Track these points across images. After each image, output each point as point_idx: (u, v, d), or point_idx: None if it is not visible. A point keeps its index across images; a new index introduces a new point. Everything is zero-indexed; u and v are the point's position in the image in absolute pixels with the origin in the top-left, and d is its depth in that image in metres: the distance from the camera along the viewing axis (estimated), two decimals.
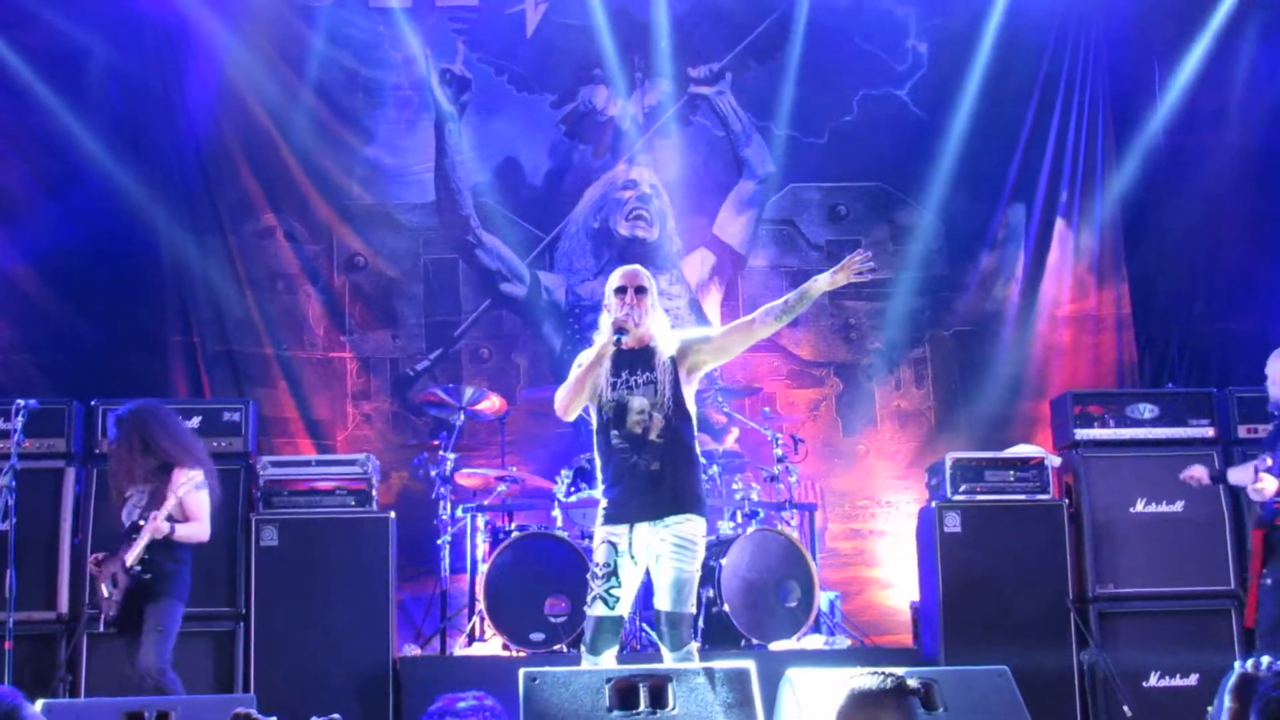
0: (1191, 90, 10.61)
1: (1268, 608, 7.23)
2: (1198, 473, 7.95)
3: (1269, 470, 7.15)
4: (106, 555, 7.34)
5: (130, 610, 7.14)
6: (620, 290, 6.35)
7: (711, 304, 10.74)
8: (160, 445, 7.53)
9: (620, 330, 6.21)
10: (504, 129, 10.87)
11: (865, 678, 4.70)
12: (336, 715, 3.83)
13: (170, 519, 7.34)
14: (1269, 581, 7.30)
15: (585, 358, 6.52)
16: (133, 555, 7.26)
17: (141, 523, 7.30)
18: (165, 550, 7.31)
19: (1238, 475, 7.63)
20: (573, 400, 6.38)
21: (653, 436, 6.29)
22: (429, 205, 10.81)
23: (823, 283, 6.39)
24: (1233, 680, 3.80)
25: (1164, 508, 8.70)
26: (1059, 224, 10.83)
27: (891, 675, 4.72)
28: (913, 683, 4.77)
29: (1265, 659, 3.82)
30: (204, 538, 7.41)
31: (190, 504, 7.40)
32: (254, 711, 3.79)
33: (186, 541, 7.35)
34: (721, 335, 6.69)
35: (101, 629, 7.40)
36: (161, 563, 7.32)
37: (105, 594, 7.22)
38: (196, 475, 7.43)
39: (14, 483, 7.40)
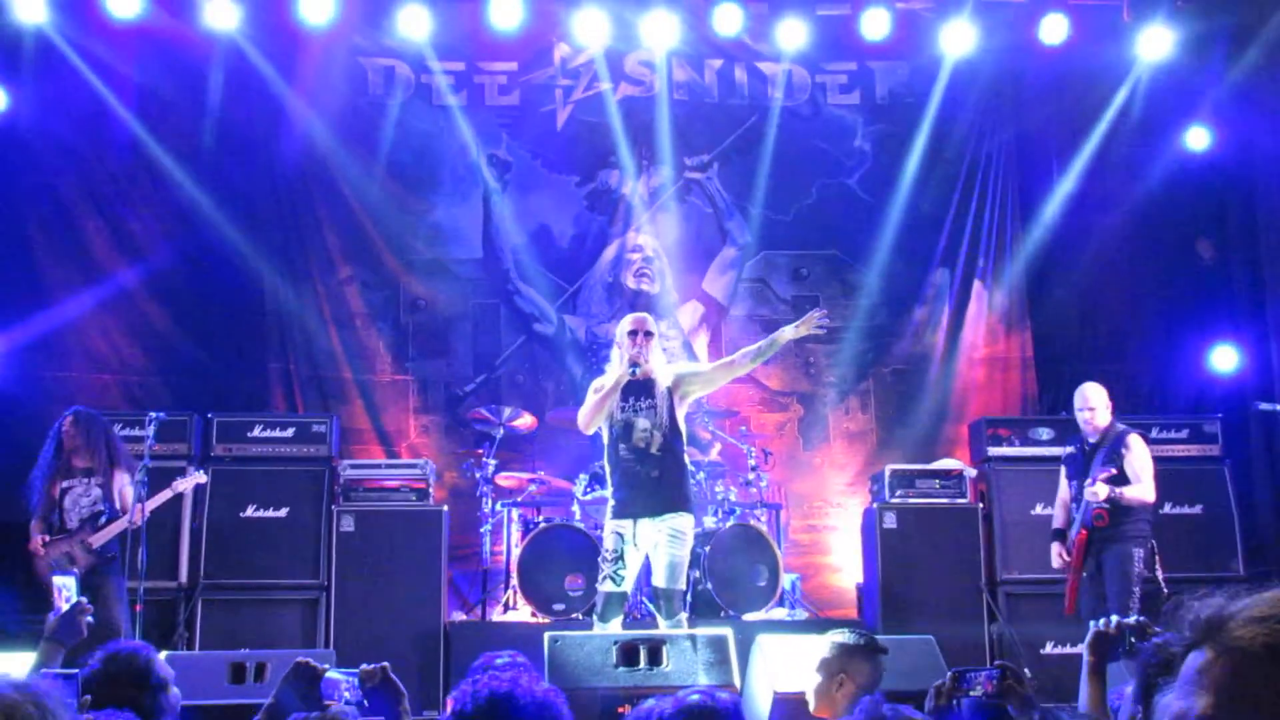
0: (1081, 180, 10.62)
1: (1086, 599, 7.34)
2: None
3: (1106, 480, 7.22)
4: (55, 539, 7.32)
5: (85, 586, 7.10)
6: (632, 333, 6.46)
7: (700, 345, 10.72)
8: (117, 447, 7.59)
9: (634, 365, 6.32)
10: (538, 202, 10.84)
11: (847, 633, 4.73)
12: (386, 663, 3.81)
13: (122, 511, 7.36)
14: (1086, 575, 7.40)
15: (599, 384, 6.59)
16: (101, 538, 7.28)
17: (101, 509, 7.30)
18: (118, 535, 7.36)
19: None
20: (593, 419, 6.47)
21: (654, 450, 6.37)
22: (477, 260, 10.75)
23: (788, 333, 6.64)
24: (1089, 638, 3.82)
25: None
26: (976, 285, 10.81)
27: (867, 634, 4.75)
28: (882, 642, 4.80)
29: (1114, 618, 3.84)
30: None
31: (130, 498, 7.43)
32: (312, 660, 3.81)
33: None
34: (709, 371, 6.85)
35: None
36: (114, 545, 7.35)
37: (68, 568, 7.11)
38: (128, 475, 7.48)
39: (146, 479, 7.41)
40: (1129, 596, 7.14)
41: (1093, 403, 7.60)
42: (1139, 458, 7.42)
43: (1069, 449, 7.77)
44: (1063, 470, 7.78)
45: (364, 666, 3.73)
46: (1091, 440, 7.58)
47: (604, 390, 6.44)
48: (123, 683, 3.66)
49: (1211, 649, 1.49)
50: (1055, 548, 7.60)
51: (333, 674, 3.69)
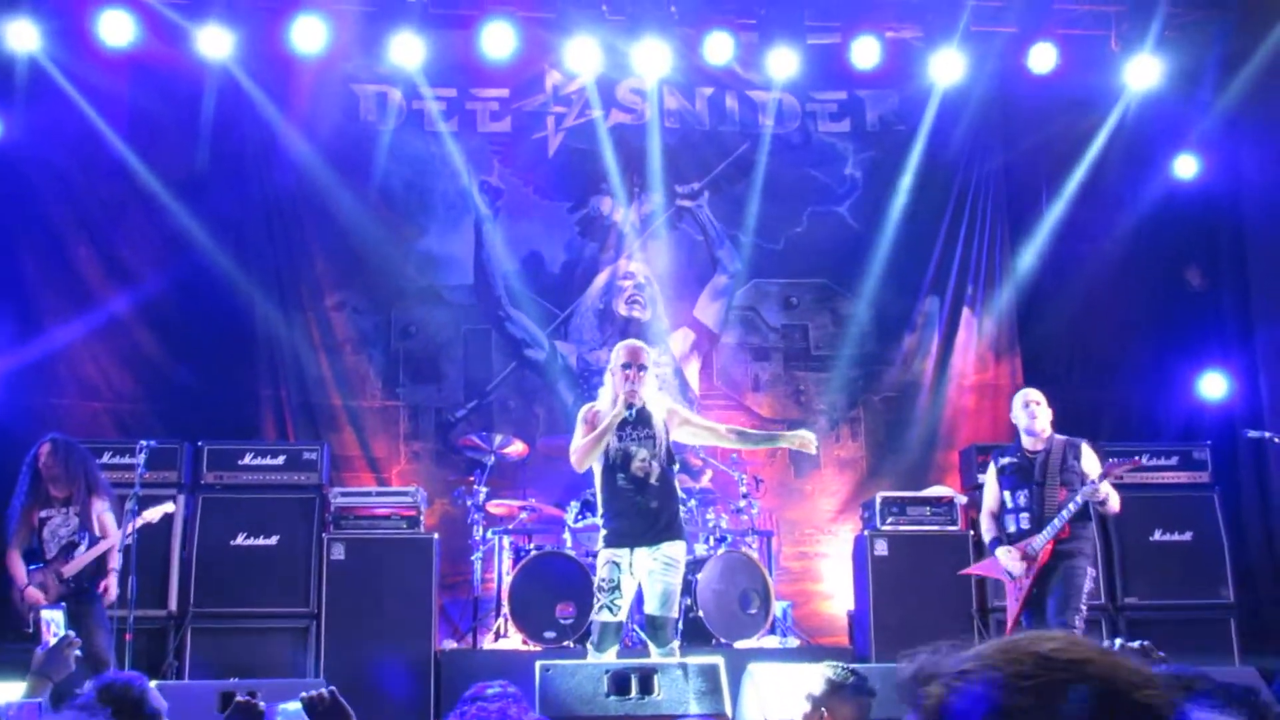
0: (1071, 208, 10.70)
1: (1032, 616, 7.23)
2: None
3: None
4: (33, 569, 7.29)
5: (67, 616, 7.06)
6: (626, 366, 6.47)
7: (691, 372, 10.75)
8: (95, 475, 7.59)
9: (630, 405, 6.34)
10: (529, 228, 10.86)
11: (837, 669, 4.71)
12: (331, 687, 3.54)
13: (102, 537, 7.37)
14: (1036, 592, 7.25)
15: (588, 412, 6.61)
16: (73, 568, 7.26)
17: (76, 540, 7.30)
18: (97, 563, 7.34)
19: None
20: (586, 458, 6.49)
21: (653, 480, 6.40)
22: (468, 286, 10.74)
23: (783, 442, 6.96)
24: None
25: None
26: (965, 312, 10.86)
27: (857, 674, 4.73)
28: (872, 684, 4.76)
29: (1118, 641, 3.85)
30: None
31: (109, 524, 7.44)
32: (249, 697, 3.80)
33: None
34: (699, 426, 7.00)
35: (31, 628, 7.00)
36: (94, 573, 7.34)
37: (39, 601, 7.07)
38: (107, 502, 7.48)
39: (136, 507, 7.41)
40: (1075, 613, 7.01)
41: (1040, 399, 7.45)
42: (1093, 467, 7.25)
43: (1006, 459, 7.46)
44: (994, 481, 7.49)
45: (304, 694, 3.49)
46: (1033, 449, 7.37)
47: (599, 430, 6.44)
48: (117, 713, 3.67)
49: (914, 709, 1.52)
50: (1013, 553, 7.19)
51: (287, 706, 3.65)
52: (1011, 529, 7.31)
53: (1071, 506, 7.05)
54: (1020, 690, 1.43)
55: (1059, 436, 7.40)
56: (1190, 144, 10.53)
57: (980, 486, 8.86)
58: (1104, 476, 7.06)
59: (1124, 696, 1.43)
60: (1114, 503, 7.22)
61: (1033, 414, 7.38)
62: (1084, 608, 7.11)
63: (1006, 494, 7.39)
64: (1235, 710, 2.55)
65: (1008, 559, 7.24)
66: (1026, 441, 7.42)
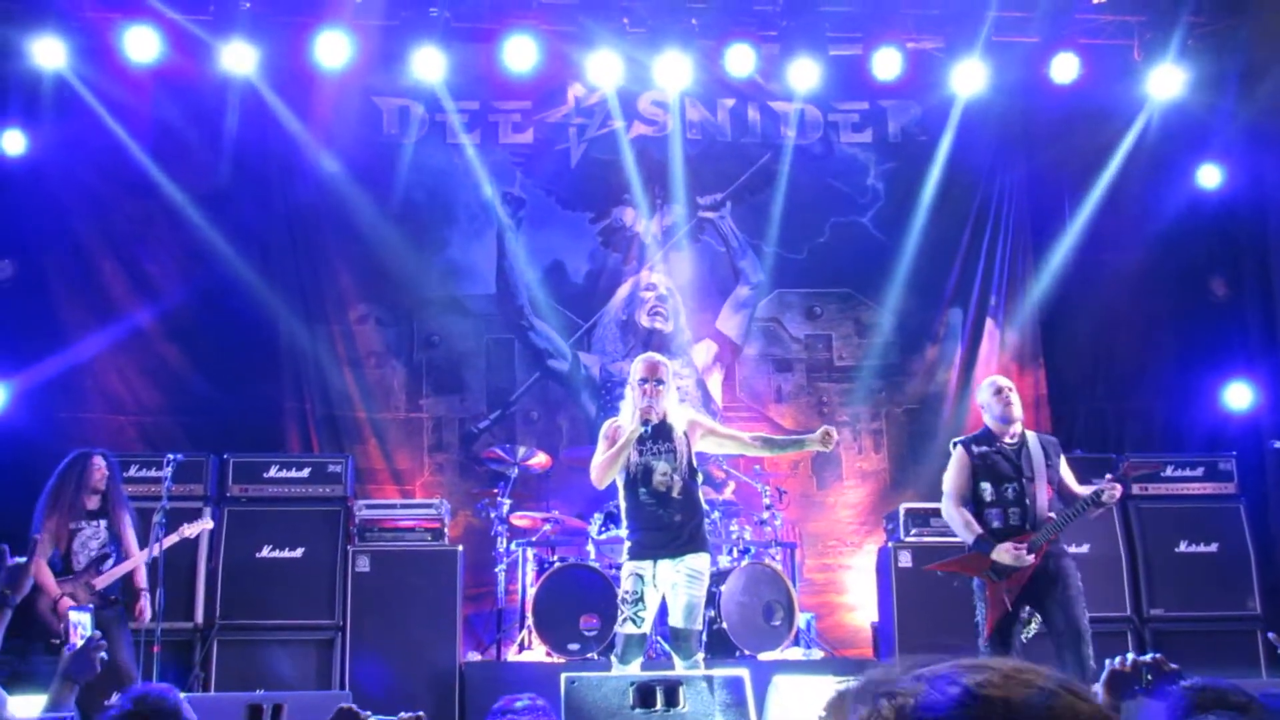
0: (1094, 218, 10.68)
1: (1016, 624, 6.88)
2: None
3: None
4: (60, 580, 7.32)
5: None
6: (643, 380, 6.50)
7: (714, 384, 10.77)
8: (122, 490, 7.66)
9: (645, 422, 6.37)
10: (552, 238, 10.90)
11: (850, 683, 4.71)
12: (421, 714, 3.82)
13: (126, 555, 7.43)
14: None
15: (609, 428, 6.64)
16: (105, 580, 7.32)
17: (108, 552, 7.36)
18: (126, 578, 7.43)
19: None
20: (606, 474, 6.52)
21: (675, 494, 6.43)
22: (491, 296, 10.79)
23: (808, 445, 6.91)
24: (1104, 676, 3.83)
25: (1073, 549, 8.69)
26: (989, 323, 10.87)
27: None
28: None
29: (1130, 655, 3.85)
30: None
31: (133, 539, 7.53)
32: (355, 706, 3.84)
33: None
34: (724, 436, 7.00)
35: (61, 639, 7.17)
36: (121, 588, 7.44)
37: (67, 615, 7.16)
38: (129, 517, 7.57)
39: (164, 519, 7.49)
40: (1084, 612, 6.71)
41: (1013, 385, 7.13)
42: (1069, 473, 7.00)
43: (981, 448, 6.93)
44: (967, 470, 6.94)
45: (403, 715, 3.73)
46: (1009, 440, 6.94)
47: (616, 446, 6.48)
48: None
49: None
50: (1009, 547, 6.66)
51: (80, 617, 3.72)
52: (996, 525, 6.81)
53: (1087, 504, 6.69)
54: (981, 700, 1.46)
55: (1028, 430, 7.07)
56: (1213, 154, 10.51)
57: None
58: (1125, 474, 6.87)
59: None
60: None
61: (1007, 400, 6.96)
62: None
63: (987, 486, 6.86)
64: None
65: (1010, 554, 6.66)
66: (998, 429, 6.98)
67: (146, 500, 7.86)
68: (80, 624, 6.16)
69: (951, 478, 7.05)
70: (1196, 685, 3.05)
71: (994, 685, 1.48)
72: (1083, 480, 7.21)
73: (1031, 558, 6.68)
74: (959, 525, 6.95)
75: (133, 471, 8.36)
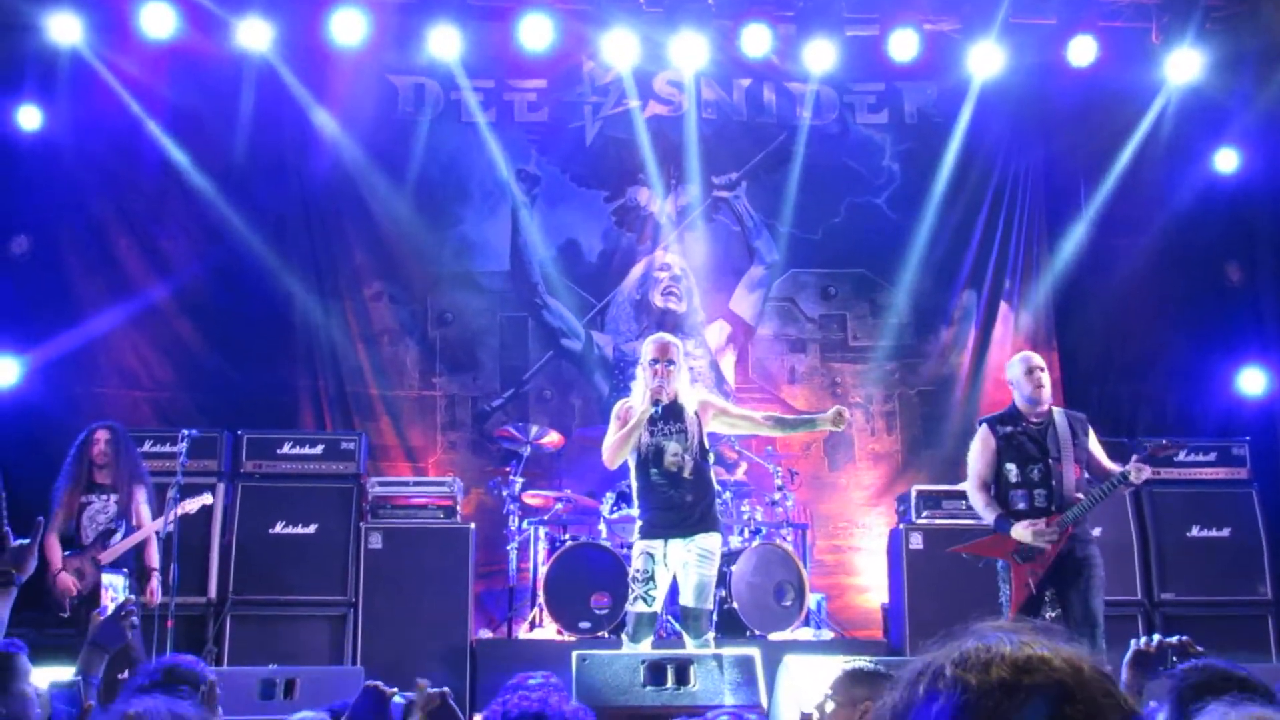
0: (1110, 201, 10.67)
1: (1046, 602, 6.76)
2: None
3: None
4: (68, 555, 7.38)
5: (92, 599, 7.15)
6: (654, 361, 6.52)
7: (727, 365, 10.79)
8: (138, 464, 7.70)
9: (656, 402, 6.40)
10: (566, 216, 10.91)
11: (859, 660, 4.74)
12: (446, 689, 3.76)
13: (137, 527, 7.45)
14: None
15: (621, 409, 6.67)
16: (110, 555, 7.36)
17: (114, 527, 7.39)
18: (137, 556, 7.49)
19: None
20: (617, 455, 6.55)
21: (686, 474, 6.46)
22: (505, 273, 10.81)
23: (820, 424, 6.89)
24: (1129, 655, 3.85)
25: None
26: (1003, 306, 10.86)
27: (877, 665, 4.75)
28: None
29: (1156, 636, 3.85)
30: None
31: (146, 514, 7.56)
32: (381, 684, 3.86)
33: None
34: (735, 415, 7.00)
35: (68, 613, 7.28)
36: (128, 562, 7.46)
37: (71, 588, 7.24)
38: (145, 491, 7.59)
39: (178, 495, 7.53)
40: (1101, 608, 6.63)
41: (1044, 364, 6.98)
42: (1098, 448, 6.88)
43: (1008, 428, 6.83)
44: (992, 451, 6.84)
45: (427, 690, 3.69)
46: (1036, 419, 6.83)
47: (628, 427, 6.51)
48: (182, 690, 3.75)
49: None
50: (1028, 524, 6.58)
51: (400, 699, 3.74)
52: (1022, 506, 6.71)
53: (1115, 484, 6.55)
54: (985, 693, 1.48)
55: (1055, 407, 6.93)
56: (1231, 138, 10.48)
57: None
58: (1152, 454, 6.67)
59: (1087, 703, 1.46)
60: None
61: (1038, 381, 6.82)
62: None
63: (1012, 467, 6.76)
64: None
65: (1035, 534, 6.55)
66: (1027, 410, 6.86)
67: (161, 475, 7.91)
68: (112, 585, 6.20)
69: (975, 459, 6.95)
70: (1204, 665, 3.06)
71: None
72: None
73: (1056, 536, 6.56)
74: (980, 506, 6.86)
75: (147, 447, 8.40)
